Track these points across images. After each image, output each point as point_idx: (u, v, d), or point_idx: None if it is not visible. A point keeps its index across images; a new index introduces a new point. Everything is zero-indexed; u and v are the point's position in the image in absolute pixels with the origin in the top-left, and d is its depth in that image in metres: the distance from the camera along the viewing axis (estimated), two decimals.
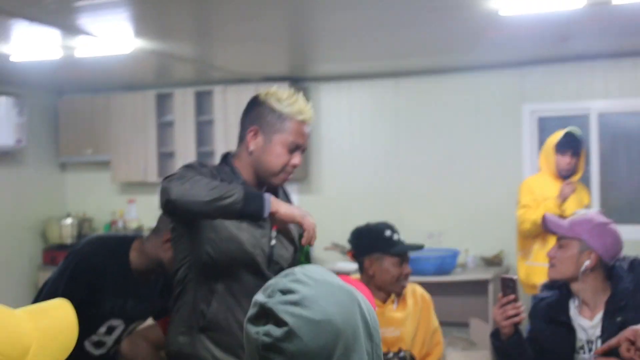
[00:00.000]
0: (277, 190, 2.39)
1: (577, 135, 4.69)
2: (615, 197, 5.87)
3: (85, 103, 7.30)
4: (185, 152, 6.80)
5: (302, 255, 2.32)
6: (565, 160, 4.65)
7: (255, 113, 2.28)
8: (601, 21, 4.65)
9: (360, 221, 6.49)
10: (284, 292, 1.17)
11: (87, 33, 4.55)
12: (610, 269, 2.61)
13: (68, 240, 7.10)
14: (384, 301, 3.08)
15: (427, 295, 3.22)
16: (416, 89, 6.49)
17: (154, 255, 2.57)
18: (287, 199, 2.46)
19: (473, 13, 4.32)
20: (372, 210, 6.27)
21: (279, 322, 1.14)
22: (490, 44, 5.38)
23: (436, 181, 6.40)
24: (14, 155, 7.00)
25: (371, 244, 3.04)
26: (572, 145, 4.65)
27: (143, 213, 7.18)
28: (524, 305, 2.51)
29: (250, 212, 2.02)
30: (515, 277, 2.54)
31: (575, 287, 2.64)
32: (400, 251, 3.01)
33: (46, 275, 6.86)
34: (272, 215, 2.06)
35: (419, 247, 3.13)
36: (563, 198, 4.57)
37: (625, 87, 5.80)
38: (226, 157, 2.35)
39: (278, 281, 1.21)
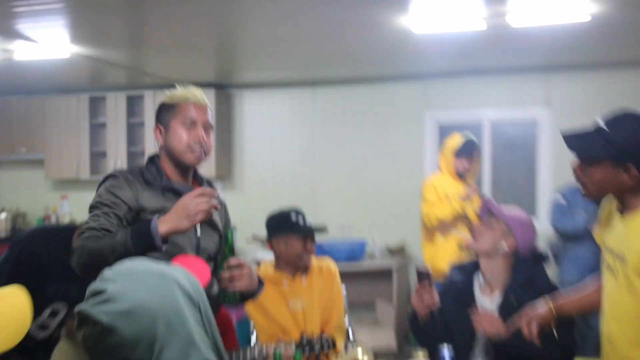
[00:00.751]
0: (202, 181, 2.58)
1: (474, 142, 5.23)
2: (504, 195, 6.55)
3: (19, 105, 7.58)
4: (117, 152, 7.21)
5: (226, 248, 2.40)
6: (464, 164, 5.17)
7: (157, 116, 2.53)
8: (498, 41, 5.23)
9: None
10: (94, 294, 1.24)
11: (25, 38, 4.83)
12: (516, 256, 2.86)
13: (2, 233, 7.37)
14: (294, 275, 3.34)
15: (332, 266, 3.45)
16: (331, 96, 7.05)
17: None
18: (210, 186, 2.61)
19: (388, 30, 4.75)
20: (289, 205, 6.82)
21: (94, 323, 1.20)
22: (401, 58, 5.96)
23: (347, 180, 6.98)
24: None
25: (279, 225, 3.34)
26: (470, 151, 5.20)
27: (75, 208, 7.51)
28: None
29: (144, 248, 2.12)
30: (429, 270, 2.77)
31: (484, 264, 2.89)
32: (301, 230, 3.29)
33: None
34: (166, 236, 2.16)
35: (321, 229, 3.40)
36: (467, 199, 5.08)
37: (514, 99, 6.53)
38: (153, 159, 2.52)
39: (92, 285, 1.27)
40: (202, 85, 6.84)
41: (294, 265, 3.33)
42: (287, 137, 7.22)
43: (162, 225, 2.15)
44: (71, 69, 6.20)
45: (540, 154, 6.46)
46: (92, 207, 2.34)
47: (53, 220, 7.49)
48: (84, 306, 1.22)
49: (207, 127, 2.49)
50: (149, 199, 2.39)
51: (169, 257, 2.27)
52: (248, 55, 6.03)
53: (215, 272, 2.49)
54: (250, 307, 3.28)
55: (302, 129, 7.14)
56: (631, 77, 6.14)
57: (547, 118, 6.40)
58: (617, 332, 2.28)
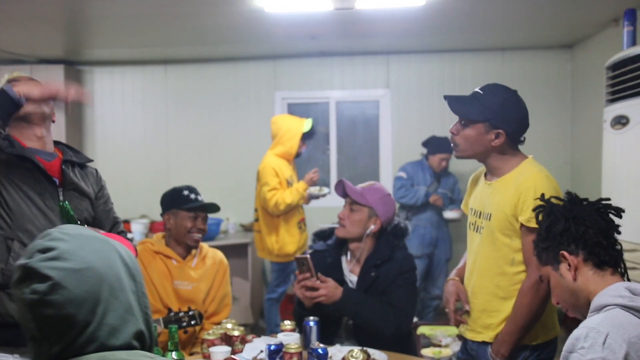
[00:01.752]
0: (68, 154, 2.58)
1: (315, 127, 5.41)
2: (348, 171, 6.97)
3: None
4: None
5: (66, 220, 2.42)
6: (304, 147, 5.33)
7: None
8: (343, 24, 5.53)
9: (133, 195, 7.04)
10: (43, 250, 1.23)
11: None
12: (381, 232, 3.05)
13: None
14: (184, 257, 3.37)
15: (225, 261, 3.50)
16: (183, 75, 7.16)
17: None
18: (77, 153, 2.64)
19: (242, 9, 4.86)
20: (143, 185, 6.91)
21: (43, 278, 1.19)
22: (252, 38, 6.14)
23: (201, 159, 7.12)
24: None
25: (171, 201, 3.40)
26: (312, 135, 5.38)
27: None
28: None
29: (5, 109, 2.23)
30: (307, 256, 2.88)
31: (353, 246, 3.05)
32: (192, 206, 3.34)
33: None
34: (28, 97, 2.25)
35: (213, 206, 3.45)
36: (312, 183, 5.24)
37: (358, 80, 6.95)
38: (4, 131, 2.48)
39: (36, 243, 1.26)
40: (50, 61, 6.82)
41: (184, 244, 3.36)
42: (139, 116, 7.23)
43: (18, 88, 2.25)
44: None
45: (382, 133, 6.93)
46: None
47: None
48: (31, 261, 1.21)
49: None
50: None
51: (22, 227, 2.34)
52: (98, 31, 5.98)
53: None
54: None
55: (154, 108, 7.19)
56: (462, 62, 6.75)
57: (387, 98, 6.87)
58: (478, 284, 2.63)
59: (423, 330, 4.87)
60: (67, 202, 2.43)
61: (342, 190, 3.15)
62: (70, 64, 7.02)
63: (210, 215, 6.87)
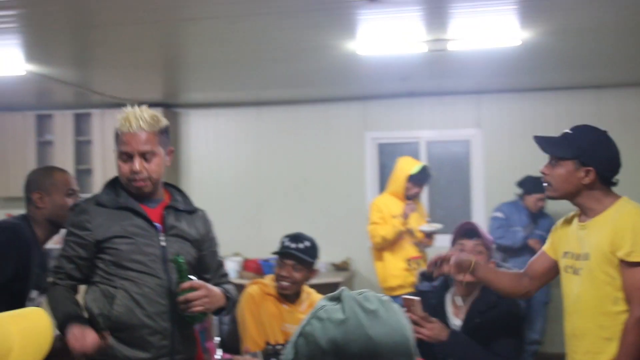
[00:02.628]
0: (172, 190, 2.67)
1: (429, 172, 5.46)
2: (440, 210, 6.91)
3: None
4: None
5: (177, 273, 2.45)
6: (417, 190, 5.38)
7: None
8: (435, 64, 5.58)
9: (227, 233, 7.18)
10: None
11: None
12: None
13: None
14: (293, 302, 3.44)
15: None
16: (275, 117, 7.32)
17: (55, 217, 2.96)
18: (185, 198, 2.71)
19: (335, 53, 4.97)
20: (235, 223, 7.04)
21: None
22: (343, 80, 6.26)
23: (292, 198, 7.22)
24: None
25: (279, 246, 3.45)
26: (425, 180, 5.44)
27: None
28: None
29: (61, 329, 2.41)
30: (417, 299, 2.84)
31: (460, 286, 2.96)
32: (280, 253, 3.40)
33: None
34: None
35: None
36: (406, 216, 5.28)
37: (447, 120, 6.93)
38: (115, 181, 2.61)
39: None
40: (150, 104, 7.02)
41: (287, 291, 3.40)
42: (232, 156, 7.43)
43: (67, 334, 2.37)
44: (20, 87, 6.26)
45: (473, 172, 6.85)
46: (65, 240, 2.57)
47: None
48: None
49: (145, 155, 2.47)
50: (105, 226, 2.48)
51: (140, 266, 2.46)
52: (195, 76, 6.21)
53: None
54: (246, 311, 3.36)
55: (246, 149, 7.36)
56: (556, 101, 6.63)
57: (478, 138, 6.80)
58: (581, 326, 2.59)
59: None
60: (180, 257, 2.46)
61: (460, 232, 3.10)
62: (168, 106, 7.30)
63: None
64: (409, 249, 5.35)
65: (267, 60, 5.31)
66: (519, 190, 5.96)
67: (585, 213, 2.61)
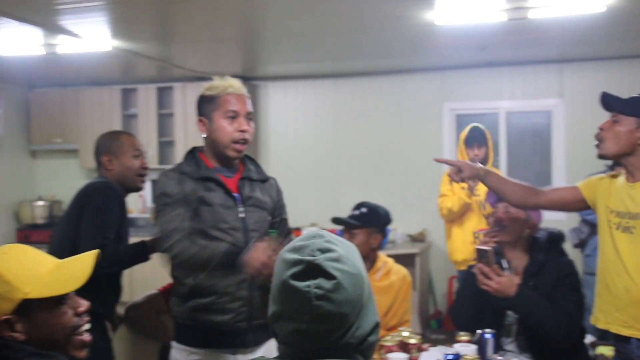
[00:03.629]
0: (245, 161, 2.69)
1: (480, 129, 5.34)
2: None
3: (55, 96, 7.90)
4: (148, 142, 7.50)
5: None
6: (473, 152, 5.27)
7: (199, 108, 2.62)
8: (515, 33, 5.46)
9: (304, 204, 7.28)
10: (324, 250, 1.32)
11: (68, 33, 5.10)
12: (532, 240, 3.02)
13: (40, 220, 7.71)
14: (369, 270, 3.35)
15: (409, 278, 3.49)
16: (353, 88, 7.33)
17: (123, 179, 3.14)
18: (257, 167, 2.76)
19: (412, 23, 4.95)
20: (313, 193, 7.13)
21: (328, 276, 1.28)
22: (421, 51, 6.20)
23: (369, 169, 7.24)
24: None
25: None
26: (476, 138, 5.30)
27: None
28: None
29: (230, 268, 2.40)
30: (489, 248, 2.83)
31: (508, 251, 3.01)
32: (333, 221, 3.45)
33: None
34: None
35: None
36: (471, 189, 5.03)
37: (527, 90, 6.78)
38: (193, 151, 2.65)
39: (314, 242, 1.34)
40: (230, 77, 7.20)
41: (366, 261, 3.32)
42: (310, 128, 7.49)
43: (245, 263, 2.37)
44: (106, 62, 6.49)
45: (554, 143, 6.70)
46: (158, 209, 2.54)
47: None
48: (316, 259, 1.30)
49: (248, 116, 2.59)
50: (190, 194, 2.52)
51: (222, 234, 2.51)
52: (273, 49, 6.28)
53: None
54: None
55: (324, 120, 7.42)
56: None
57: (560, 108, 6.63)
58: (632, 282, 2.59)
59: (602, 350, 4.64)
60: (274, 231, 2.56)
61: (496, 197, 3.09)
62: (247, 79, 7.40)
63: None
64: (477, 222, 5.26)
65: (345, 31, 5.32)
66: (609, 162, 5.78)
67: (632, 173, 2.62)
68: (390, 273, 3.48)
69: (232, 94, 2.55)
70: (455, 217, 5.28)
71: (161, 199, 2.52)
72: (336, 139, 7.39)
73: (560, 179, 6.61)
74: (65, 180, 8.14)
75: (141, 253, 2.96)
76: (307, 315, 1.28)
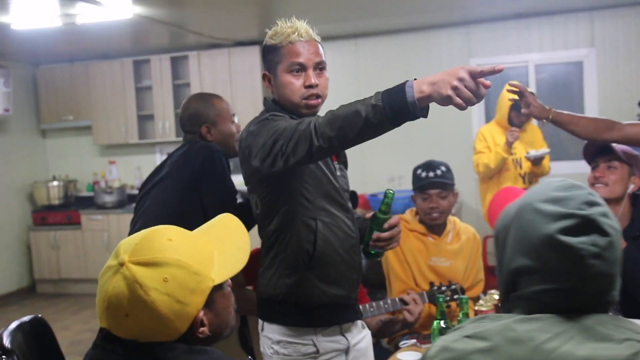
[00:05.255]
0: None
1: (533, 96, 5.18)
2: (551, 138, 6.61)
3: (63, 72, 7.65)
4: (164, 114, 7.30)
5: (385, 206, 2.26)
6: (520, 118, 5.11)
7: (263, 61, 2.29)
8: None
9: None
10: (592, 204, 1.21)
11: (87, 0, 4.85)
12: (637, 197, 2.78)
13: (56, 201, 7.50)
14: (440, 234, 3.27)
15: (477, 236, 3.38)
16: (374, 49, 7.10)
17: (224, 146, 2.91)
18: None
19: None
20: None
21: (603, 233, 1.18)
22: (443, 5, 5.98)
23: (394, 131, 7.02)
24: (0, 124, 7.37)
25: (413, 183, 3.31)
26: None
27: (123, 172, 7.67)
28: None
29: (398, 114, 1.77)
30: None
31: (611, 208, 2.97)
32: (419, 186, 3.24)
33: (37, 234, 7.32)
34: (420, 100, 1.75)
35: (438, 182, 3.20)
36: (509, 144, 5.03)
37: (557, 41, 6.57)
38: (275, 101, 2.25)
39: (576, 194, 1.22)
40: (246, 43, 7.02)
41: (429, 223, 3.26)
42: (331, 91, 7.16)
43: (421, 85, 1.74)
44: (121, 32, 6.27)
45: (586, 95, 6.52)
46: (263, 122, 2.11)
47: (102, 185, 7.60)
48: (591, 213, 1.19)
49: (319, 67, 2.22)
50: None
51: (323, 197, 2.17)
52: (290, 11, 5.93)
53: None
54: (389, 253, 3.20)
55: (346, 82, 7.19)
56: None
57: (592, 58, 6.44)
58: None
59: None
60: (392, 190, 2.25)
61: (592, 151, 2.88)
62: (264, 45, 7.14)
63: (405, 188, 6.88)
64: (514, 182, 5.12)
65: None
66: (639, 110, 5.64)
67: None
68: (460, 233, 3.33)
69: (297, 41, 2.17)
70: (492, 174, 5.14)
71: (269, 117, 2.12)
72: None
73: None
74: (78, 159, 7.96)
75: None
76: (575, 274, 1.16)
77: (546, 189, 1.24)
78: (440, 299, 2.48)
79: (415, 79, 1.78)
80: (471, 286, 3.28)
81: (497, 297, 2.70)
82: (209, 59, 7.06)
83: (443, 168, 3.28)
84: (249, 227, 2.11)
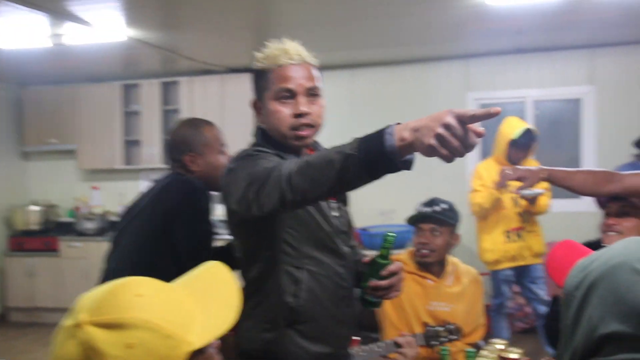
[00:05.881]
0: (316, 145, 2.16)
1: (533, 134, 4.95)
2: None
3: (50, 94, 7.46)
4: (151, 140, 7.10)
5: (385, 251, 2.03)
6: (519, 156, 4.92)
7: (252, 86, 2.04)
8: (543, 16, 5.11)
9: None
10: None
11: (76, 20, 4.71)
12: None
13: (34, 226, 7.24)
14: (439, 276, 3.08)
15: (480, 279, 3.20)
16: (370, 79, 6.97)
17: (207, 178, 2.59)
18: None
19: (436, 5, 4.67)
20: None
21: None
22: (442, 39, 5.89)
23: None
24: None
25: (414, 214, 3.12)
26: (528, 144, 4.93)
27: (107, 199, 7.43)
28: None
29: (376, 165, 1.51)
30: None
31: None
32: (413, 219, 3.09)
33: (12, 260, 7.04)
34: (401, 148, 1.49)
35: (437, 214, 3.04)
36: (501, 185, 4.57)
37: (556, 78, 6.47)
38: (263, 132, 2.03)
39: None
40: (239, 70, 6.86)
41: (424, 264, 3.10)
42: (325, 121, 7.11)
43: (403, 131, 1.48)
44: (110, 55, 6.12)
45: (584, 132, 6.41)
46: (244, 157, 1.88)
47: (84, 211, 7.36)
48: None
49: (311, 93, 1.97)
50: None
51: (309, 243, 1.95)
52: (285, 37, 5.91)
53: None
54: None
55: (340, 113, 7.04)
56: None
57: (591, 96, 6.35)
58: None
59: None
60: (392, 234, 2.03)
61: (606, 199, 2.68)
62: None
63: (397, 222, 6.71)
64: (510, 220, 4.95)
65: (357, 19, 5.03)
66: (635, 151, 5.51)
67: None
68: (461, 276, 3.12)
69: (287, 65, 1.93)
70: (486, 214, 4.96)
71: (252, 154, 1.89)
72: (353, 133, 6.97)
73: None
74: (60, 183, 7.73)
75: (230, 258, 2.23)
76: None
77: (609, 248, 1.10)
78: (444, 352, 2.37)
79: (398, 123, 1.52)
80: (471, 331, 3.08)
81: (499, 347, 2.53)
82: (200, 85, 6.89)
83: (444, 205, 3.08)
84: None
